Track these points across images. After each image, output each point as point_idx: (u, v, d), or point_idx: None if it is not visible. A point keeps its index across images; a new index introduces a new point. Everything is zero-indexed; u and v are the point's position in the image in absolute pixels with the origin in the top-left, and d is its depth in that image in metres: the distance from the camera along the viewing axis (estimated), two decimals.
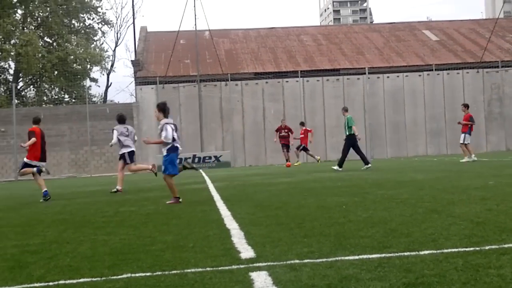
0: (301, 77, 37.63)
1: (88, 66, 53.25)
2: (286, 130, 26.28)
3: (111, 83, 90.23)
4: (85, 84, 50.68)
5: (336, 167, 18.28)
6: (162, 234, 5.76)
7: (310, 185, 11.78)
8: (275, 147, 33.35)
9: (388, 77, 38.12)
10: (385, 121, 37.76)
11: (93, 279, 3.89)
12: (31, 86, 55.03)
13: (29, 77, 52.47)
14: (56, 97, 53.29)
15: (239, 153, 36.60)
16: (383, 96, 37.94)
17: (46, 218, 7.96)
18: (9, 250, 5.29)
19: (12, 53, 47.88)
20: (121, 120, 14.29)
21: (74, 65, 51.89)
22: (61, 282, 3.85)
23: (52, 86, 53.58)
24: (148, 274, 3.94)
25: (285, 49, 42.13)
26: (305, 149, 27.49)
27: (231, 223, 6.30)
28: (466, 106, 21.39)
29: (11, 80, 51.39)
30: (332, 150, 37.57)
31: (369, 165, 17.90)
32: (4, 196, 14.64)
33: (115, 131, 14.04)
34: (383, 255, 4.16)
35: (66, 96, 53.65)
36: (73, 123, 36.74)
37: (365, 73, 37.54)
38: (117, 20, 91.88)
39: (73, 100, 50.43)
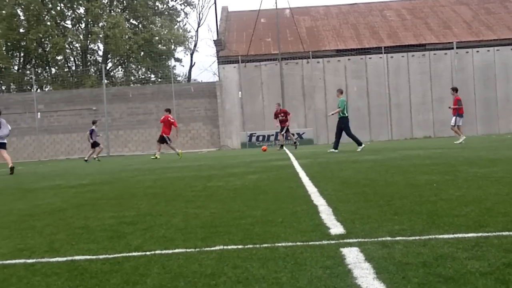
0: (384, 53, 36.73)
1: (172, 46, 54.54)
2: (282, 114, 25.67)
3: (194, 62, 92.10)
4: (170, 64, 52.01)
5: (331, 150, 18.48)
6: (250, 209, 5.84)
7: (396, 163, 11.54)
8: (358, 124, 32.94)
9: (477, 51, 36.44)
10: (475, 97, 36.22)
11: (187, 250, 4.01)
12: (119, 67, 57.15)
13: (117, 58, 54.48)
14: (143, 76, 55.05)
15: (321, 130, 36.39)
16: (472, 72, 36.35)
17: (138, 192, 8.29)
18: (107, 221, 5.55)
19: (100, 35, 49.84)
20: None
21: (159, 45, 53.31)
22: (157, 252, 4.00)
23: (139, 66, 55.38)
24: (239, 246, 4.01)
25: (368, 25, 41.18)
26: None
27: (318, 199, 6.28)
28: (454, 89, 21.42)
29: (100, 61, 53.58)
30: (418, 128, 36.60)
31: (363, 145, 18.41)
32: (98, 170, 15.36)
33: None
34: (479, 234, 4.01)
35: (152, 75, 55.32)
36: (159, 102, 37.87)
37: (452, 48, 36.07)
38: (198, 1, 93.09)
39: (159, 80, 51.91)
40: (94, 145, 24.41)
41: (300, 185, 8.03)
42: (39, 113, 37.39)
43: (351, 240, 4.02)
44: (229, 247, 4.03)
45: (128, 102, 37.90)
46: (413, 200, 5.83)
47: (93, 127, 24.46)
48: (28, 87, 45.81)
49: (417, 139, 34.77)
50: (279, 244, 4.02)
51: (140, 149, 36.87)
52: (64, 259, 3.93)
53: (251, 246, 4.02)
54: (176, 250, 4.01)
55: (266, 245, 4.03)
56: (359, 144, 18.07)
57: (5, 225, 5.68)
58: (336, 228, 4.52)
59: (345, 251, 3.70)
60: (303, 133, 33.79)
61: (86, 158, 24.33)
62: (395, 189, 6.85)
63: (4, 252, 4.27)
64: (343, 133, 18.13)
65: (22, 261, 3.94)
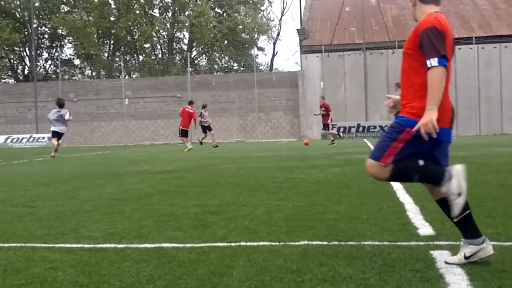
0: (475, 43, 35.17)
1: (256, 35, 54.83)
2: (323, 109, 24.45)
3: (277, 51, 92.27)
4: (252, 53, 52.32)
5: None
6: (333, 204, 5.77)
7: (487, 160, 11.03)
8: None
9: None
10: None
11: (272, 243, 4.00)
12: (203, 55, 58.16)
13: (202, 47, 55.46)
14: (226, 65, 55.75)
15: None
16: None
17: (221, 181, 8.41)
18: (192, 209, 5.66)
19: (186, 24, 50.87)
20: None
21: (243, 34, 53.75)
22: (242, 243, 4.02)
23: (222, 55, 56.13)
24: (324, 243, 3.96)
25: (458, 14, 39.55)
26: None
27: (404, 196, 6.11)
28: None
29: (185, 49, 54.76)
30: (509, 123, 34.91)
31: None
32: (182, 157, 15.72)
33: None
34: None
35: (235, 64, 55.91)
36: (241, 90, 38.24)
37: None
38: None
39: (241, 68, 52.40)
40: (207, 129, 23.97)
41: None
42: (126, 99, 38.77)
43: (441, 243, 3.87)
44: (314, 243, 3.98)
45: (211, 90, 38.55)
46: (507, 202, 5.54)
47: (202, 110, 24.13)
48: (117, 74, 47.63)
49: (508, 135, 33.15)
50: (365, 243, 3.93)
51: (221, 137, 37.45)
52: (152, 245, 4.04)
53: (336, 243, 3.96)
54: (261, 243, 4.02)
55: (351, 242, 3.95)
56: None
57: (96, 208, 5.92)
58: (424, 228, 4.37)
59: (435, 254, 3.56)
60: (385, 125, 33.05)
61: (214, 144, 24.16)
62: (487, 190, 6.54)
63: (96, 236, 4.44)
64: None
65: (112, 245, 4.08)
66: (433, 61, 3.09)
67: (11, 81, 52.46)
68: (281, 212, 5.32)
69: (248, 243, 4.02)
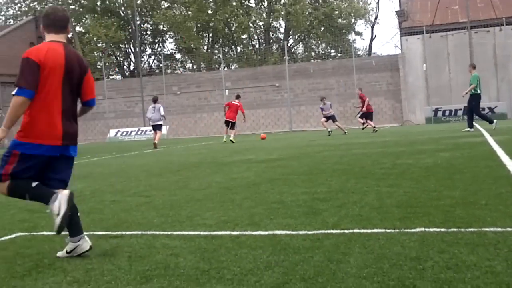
0: None
1: (353, 20, 53.82)
2: (360, 100, 23.51)
3: (375, 35, 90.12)
4: (350, 38, 51.41)
5: (467, 129, 16.96)
6: (447, 189, 5.55)
7: None
8: None
9: None
10: None
11: (387, 230, 3.92)
12: (300, 43, 58.00)
13: (298, 34, 55.32)
14: (323, 52, 55.23)
15: None
16: None
17: (326, 168, 8.35)
18: (300, 197, 5.67)
19: (282, 13, 50.89)
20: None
21: (339, 20, 52.95)
22: (356, 230, 3.97)
23: (319, 42, 55.66)
24: (442, 229, 3.82)
25: None
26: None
27: None
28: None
29: (282, 38, 54.88)
30: None
31: (495, 121, 16.88)
32: (284, 145, 15.79)
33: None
34: None
35: (332, 50, 55.27)
36: (340, 77, 37.77)
37: None
38: None
39: (339, 54, 51.71)
40: (332, 119, 23.57)
41: (500, 164, 7.44)
42: (227, 90, 39.54)
43: None
44: (431, 229, 3.85)
45: (309, 78, 38.38)
46: None
47: (321, 104, 23.64)
48: (216, 66, 48.65)
49: None
50: (487, 229, 3.75)
51: (320, 125, 37.26)
52: (266, 233, 4.09)
53: (455, 229, 3.80)
54: (375, 230, 3.95)
55: (471, 229, 3.79)
56: (491, 122, 16.74)
57: (207, 197, 6.10)
58: None
59: None
60: (495, 107, 31.31)
61: (344, 131, 23.64)
62: None
63: (211, 224, 4.57)
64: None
65: (227, 232, 4.18)
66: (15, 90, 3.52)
67: (118, 77, 55.17)
68: (393, 199, 5.20)
69: (362, 230, 3.96)
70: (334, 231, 4.00)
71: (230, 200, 5.77)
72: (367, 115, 23.86)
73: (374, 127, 23.26)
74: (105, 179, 8.83)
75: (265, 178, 7.58)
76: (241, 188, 6.66)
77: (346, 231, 3.96)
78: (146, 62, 56.17)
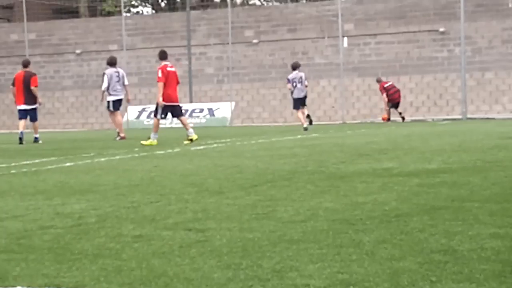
0: None
1: None
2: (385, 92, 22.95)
3: None
4: None
5: None
6: None
7: None
8: None
9: None
10: None
11: None
12: None
13: None
14: None
15: None
16: None
17: None
18: (487, 243, 3.25)
19: None
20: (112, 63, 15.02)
21: None
22: None
23: None
24: None
25: None
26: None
27: None
28: None
29: None
30: None
31: None
32: (456, 145, 12.02)
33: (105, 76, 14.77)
34: None
35: None
36: None
37: None
38: None
39: None
40: None
41: None
42: (345, 39, 25.63)
43: None
44: None
45: (506, 18, 25.42)
46: None
47: None
48: None
49: None
50: None
51: None
52: None
53: None
54: None
55: None
56: None
57: (311, 236, 3.77)
58: None
59: None
60: None
61: None
62: None
63: (319, 286, 2.28)
64: None
65: None
66: None
67: (147, 10, 40.06)
68: None
69: None
70: None
71: (353, 243, 3.39)
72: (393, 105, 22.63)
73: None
74: (122, 196, 5.70)
75: (418, 205, 4.81)
76: (373, 221, 4.09)
77: None
78: None
